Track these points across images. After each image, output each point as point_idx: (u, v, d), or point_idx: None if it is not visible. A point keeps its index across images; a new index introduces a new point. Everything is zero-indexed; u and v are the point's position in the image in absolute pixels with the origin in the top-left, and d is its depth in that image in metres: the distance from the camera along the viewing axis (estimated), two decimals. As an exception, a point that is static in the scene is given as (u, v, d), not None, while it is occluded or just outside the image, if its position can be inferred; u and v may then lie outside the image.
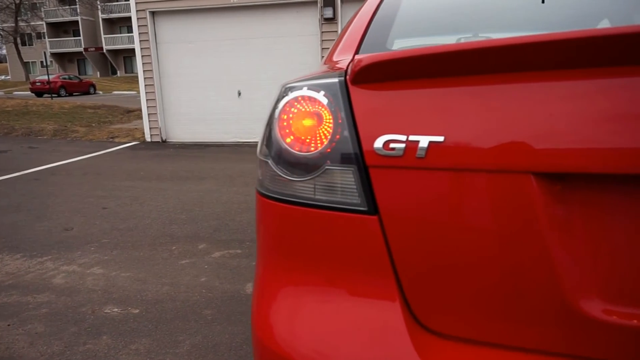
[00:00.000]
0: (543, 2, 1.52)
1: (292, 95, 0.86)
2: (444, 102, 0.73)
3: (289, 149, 0.83)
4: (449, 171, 0.71)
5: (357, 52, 1.21)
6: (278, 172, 0.85)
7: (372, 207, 0.76)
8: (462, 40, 1.40)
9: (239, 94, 8.21)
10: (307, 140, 0.81)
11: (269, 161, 0.87)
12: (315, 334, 0.81)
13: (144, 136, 8.78)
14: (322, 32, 7.44)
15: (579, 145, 0.66)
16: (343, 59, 1.05)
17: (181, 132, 8.56)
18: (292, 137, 0.83)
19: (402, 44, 1.41)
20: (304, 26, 7.70)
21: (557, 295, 0.68)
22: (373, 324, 0.77)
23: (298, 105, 0.84)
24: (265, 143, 0.90)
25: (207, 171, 6.11)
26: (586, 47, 0.64)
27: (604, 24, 1.58)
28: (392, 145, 0.73)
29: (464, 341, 0.75)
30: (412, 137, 0.72)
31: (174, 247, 3.43)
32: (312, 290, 0.84)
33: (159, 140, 8.57)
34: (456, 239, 0.72)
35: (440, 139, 0.71)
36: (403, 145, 0.73)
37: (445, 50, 0.71)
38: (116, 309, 2.52)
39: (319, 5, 7.42)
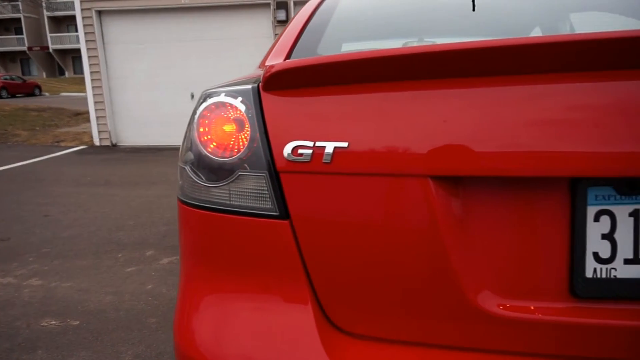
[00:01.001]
0: (474, 10, 1.59)
1: (210, 101, 0.86)
2: (349, 109, 0.75)
3: (206, 154, 0.83)
4: (354, 176, 0.73)
5: (287, 57, 1.22)
6: (195, 178, 0.85)
7: (284, 212, 0.77)
8: (391, 46, 1.44)
9: (192, 96, 8.06)
10: (223, 146, 0.82)
11: (187, 167, 0.87)
12: (232, 340, 0.81)
13: (92, 140, 8.46)
14: (276, 34, 7.44)
15: (472, 150, 0.69)
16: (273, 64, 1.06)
17: (132, 135, 8.31)
18: (208, 143, 0.83)
19: (332, 49, 1.44)
20: (257, 28, 7.66)
21: (456, 293, 0.72)
22: (287, 328, 0.78)
23: (215, 112, 0.84)
24: (184, 149, 0.90)
25: (158, 175, 5.96)
26: (472, 57, 0.68)
27: (523, 32, 1.67)
28: (300, 151, 0.75)
29: (374, 340, 0.78)
30: (318, 143, 0.74)
31: (120, 255, 3.32)
32: (230, 296, 0.84)
33: (109, 144, 8.28)
34: (362, 241, 0.74)
35: (345, 144, 0.73)
36: (310, 151, 0.74)
37: (348, 59, 0.73)
38: (54, 322, 2.41)
39: (271, 7, 7.41)
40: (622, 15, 1.53)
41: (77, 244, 3.55)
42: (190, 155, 0.86)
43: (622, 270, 0.70)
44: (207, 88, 0.95)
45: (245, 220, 0.80)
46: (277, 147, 0.77)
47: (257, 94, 0.82)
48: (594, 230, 0.70)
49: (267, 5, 7.49)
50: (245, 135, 0.80)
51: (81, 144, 8.52)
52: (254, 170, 0.79)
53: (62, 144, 8.57)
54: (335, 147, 0.73)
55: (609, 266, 0.70)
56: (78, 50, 8.01)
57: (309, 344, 0.76)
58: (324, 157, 0.74)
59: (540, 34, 1.50)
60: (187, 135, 0.89)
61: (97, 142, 8.32)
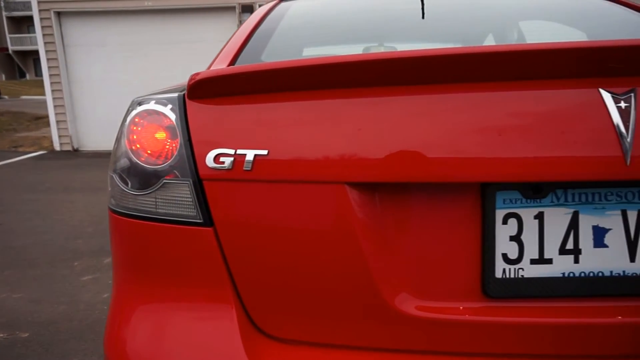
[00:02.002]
0: (423, 17, 1.63)
1: (139, 109, 0.86)
2: (269, 117, 0.76)
3: (133, 162, 0.83)
4: (274, 183, 0.74)
5: (231, 63, 1.23)
6: (122, 186, 0.85)
7: (208, 219, 0.78)
8: (334, 53, 1.46)
9: (157, 99, 7.91)
10: (150, 154, 0.82)
11: (115, 175, 0.87)
12: (160, 350, 0.81)
13: (52, 145, 8.19)
14: (242, 37, 7.38)
15: (386, 157, 0.72)
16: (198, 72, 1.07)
17: (95, 140, 8.09)
18: (136, 151, 0.83)
19: (277, 56, 1.45)
20: (225, 32, 7.59)
21: (374, 296, 0.74)
22: (212, 335, 0.79)
23: (144, 119, 0.84)
24: (113, 157, 0.89)
25: (120, 181, 5.82)
26: (383, 67, 0.71)
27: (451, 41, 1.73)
28: (222, 159, 0.76)
29: (298, 344, 0.79)
30: (239, 151, 0.75)
31: (76, 263, 3.23)
32: (159, 306, 0.84)
33: (70, 149, 8.04)
34: (284, 247, 0.75)
35: (265, 152, 0.74)
36: (232, 159, 0.75)
37: (266, 68, 0.74)
38: (1, 334, 2.33)
39: (237, 11, 7.37)
40: (564, 24, 1.61)
41: (30, 253, 3.43)
42: (119, 163, 0.86)
43: (529, 270, 0.74)
44: (138, 95, 0.95)
45: (171, 228, 0.81)
46: (201, 155, 0.77)
47: (183, 102, 0.82)
48: (503, 233, 0.74)
49: (233, 8, 7.45)
50: (171, 143, 0.81)
51: (41, 149, 8.24)
52: (179, 178, 0.79)
53: (20, 149, 8.27)
54: (255, 155, 0.74)
55: (517, 266, 0.74)
56: (39, 52, 7.75)
57: (231, 350, 0.76)
58: (245, 165, 0.74)
59: (466, 43, 1.56)
60: (117, 143, 0.88)
61: (57, 147, 8.07)
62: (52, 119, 7.96)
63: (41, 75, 8.06)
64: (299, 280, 0.76)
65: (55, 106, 7.86)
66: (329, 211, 0.73)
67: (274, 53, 1.44)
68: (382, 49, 1.63)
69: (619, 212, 0.73)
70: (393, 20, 1.55)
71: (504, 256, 0.74)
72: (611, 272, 0.74)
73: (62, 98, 7.83)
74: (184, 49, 7.69)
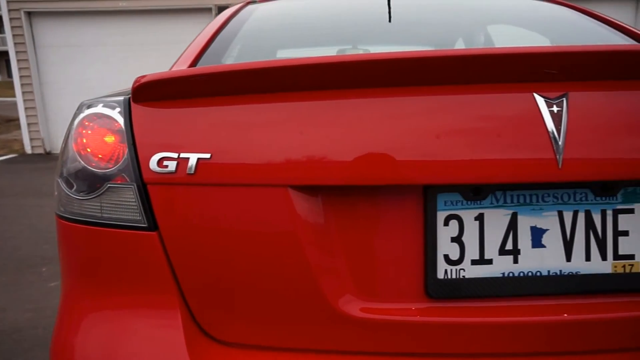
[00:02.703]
0: (390, 20, 1.65)
1: (86, 112, 0.85)
2: (212, 121, 0.76)
3: (79, 165, 0.82)
4: (217, 186, 0.74)
5: (192, 65, 1.22)
6: (67, 190, 0.83)
7: (152, 223, 0.77)
8: (295, 56, 1.47)
9: (132, 101, 7.80)
10: (95, 158, 0.81)
11: (61, 179, 0.85)
12: (106, 357, 0.80)
13: (23, 148, 7.99)
14: (218, 39, 7.34)
15: (329, 160, 0.72)
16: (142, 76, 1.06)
17: (68, 142, 7.91)
18: (82, 155, 0.82)
19: (239, 58, 1.45)
20: (199, 33, 7.54)
21: (319, 298, 0.74)
22: (157, 340, 0.78)
23: (91, 122, 0.83)
24: (60, 161, 0.87)
25: (93, 184, 5.71)
26: (325, 70, 0.71)
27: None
28: (165, 162, 0.75)
29: (245, 347, 0.79)
30: (182, 155, 0.75)
31: (44, 269, 3.15)
32: (105, 313, 0.83)
33: (42, 152, 7.85)
34: (228, 250, 0.75)
35: (208, 155, 0.74)
36: (175, 162, 0.75)
37: (206, 72, 0.74)
38: (-39, 344, 2.26)
39: (213, 12, 7.33)
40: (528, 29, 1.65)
41: (-4, 259, 3.34)
42: (65, 167, 0.84)
43: (469, 271, 0.75)
44: (86, 98, 0.93)
45: (116, 233, 0.80)
46: (145, 158, 0.77)
47: (128, 106, 0.81)
48: (444, 234, 0.75)
49: (209, 9, 7.41)
50: (116, 146, 0.80)
51: (11, 152, 8.03)
52: (123, 182, 0.78)
53: (-10, 153, 8.04)
54: (198, 158, 0.74)
55: (458, 267, 0.75)
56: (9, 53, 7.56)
57: (176, 354, 0.76)
58: (188, 169, 0.74)
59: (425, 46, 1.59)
60: (64, 146, 0.87)
61: (28, 150, 7.88)
62: (23, 121, 7.76)
63: (12, 77, 7.86)
64: (244, 283, 0.76)
65: (26, 108, 7.67)
66: (272, 214, 0.74)
67: (235, 55, 1.44)
68: (342, 52, 1.64)
69: (556, 213, 0.75)
70: (354, 25, 1.56)
71: (446, 257, 0.75)
72: (549, 271, 0.76)
73: (33, 100, 7.65)
74: (161, 50, 7.59)
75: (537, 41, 1.55)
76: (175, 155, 0.75)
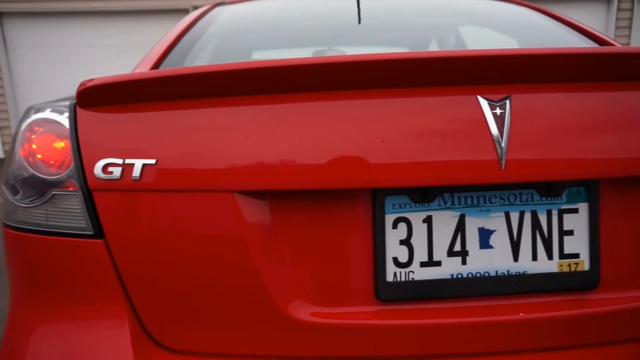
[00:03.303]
0: (359, 22, 1.65)
1: (33, 117, 0.83)
2: (158, 126, 0.75)
3: (24, 172, 0.80)
4: (163, 192, 0.73)
5: (154, 68, 1.21)
6: (13, 198, 0.81)
7: (98, 231, 0.75)
8: (259, 58, 1.46)
9: (109, 104, 7.66)
10: (40, 164, 0.79)
11: (6, 187, 0.83)
12: None
13: (-5, 152, 7.79)
14: (196, 40, 7.27)
15: (276, 165, 0.72)
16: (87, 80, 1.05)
17: (42, 146, 7.73)
18: (27, 161, 0.80)
19: (200, 61, 1.43)
20: (177, 34, 7.44)
21: (268, 304, 0.74)
22: (106, 350, 0.77)
23: (38, 127, 0.81)
24: (5, 166, 0.85)
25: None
26: (270, 75, 0.71)
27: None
28: (110, 168, 0.74)
29: (196, 354, 0.78)
30: (128, 161, 0.73)
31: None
32: (53, 324, 0.81)
33: (15, 156, 7.65)
34: (176, 256, 0.74)
35: (153, 161, 0.73)
36: (120, 168, 0.73)
37: (152, 76, 0.73)
38: None
39: (189, 13, 7.25)
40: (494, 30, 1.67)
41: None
42: (11, 173, 0.82)
43: (419, 273, 0.76)
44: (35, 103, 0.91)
45: (62, 241, 0.78)
46: (89, 164, 0.75)
47: (74, 110, 0.79)
48: (393, 237, 0.75)
49: (186, 11, 7.31)
50: (62, 152, 0.78)
51: (-17, 156, 7.81)
52: (68, 189, 0.76)
53: (-39, 157, 7.81)
54: (143, 164, 0.73)
55: (407, 270, 0.75)
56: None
57: (123, 364, 0.74)
58: (133, 175, 0.73)
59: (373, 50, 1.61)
60: (10, 151, 0.84)
61: (1, 155, 7.68)
62: (-5, 124, 7.57)
63: (-17, 79, 7.64)
64: (192, 290, 0.75)
65: (-3, 111, 7.48)
66: (219, 220, 0.73)
67: (198, 57, 1.42)
68: (319, 54, 1.64)
69: (503, 214, 0.76)
70: (317, 27, 1.56)
71: (395, 260, 0.75)
72: (497, 272, 0.76)
73: (5, 103, 7.45)
74: (136, 51, 7.48)
75: (504, 43, 1.57)
76: (120, 161, 0.73)
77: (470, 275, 0.76)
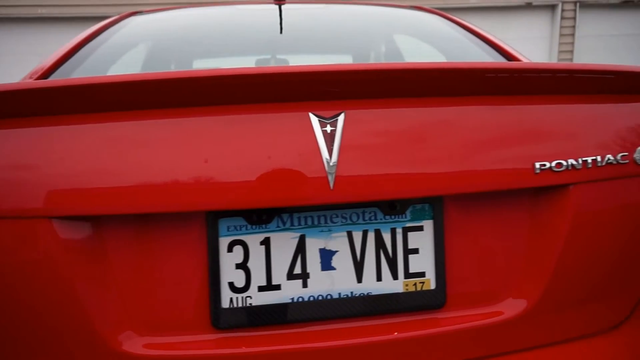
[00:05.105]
0: (281, 32, 1.62)
1: None
2: None
3: None
4: None
5: (41, 78, 1.17)
6: None
7: None
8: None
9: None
10: None
11: None
12: None
13: None
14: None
15: (98, 187, 0.67)
16: None
17: None
18: None
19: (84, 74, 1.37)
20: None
21: (96, 337, 0.68)
22: None
23: None
24: None
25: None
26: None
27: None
28: None
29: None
30: None
31: None
32: None
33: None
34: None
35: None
36: None
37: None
38: None
39: (142, 19, 7.09)
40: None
41: None
42: None
43: (257, 298, 0.72)
44: None
45: None
46: None
47: None
48: (228, 261, 0.71)
49: (138, 17, 7.16)
50: None
51: None
52: None
53: None
54: None
55: (245, 295, 0.72)
56: None
57: None
58: None
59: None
60: None
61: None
62: None
63: None
64: (14, 324, 0.69)
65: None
66: (37, 248, 0.67)
67: (89, 69, 1.36)
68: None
69: (345, 233, 0.73)
70: (223, 38, 1.53)
71: (231, 285, 0.71)
72: (339, 294, 0.74)
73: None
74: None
75: (426, 54, 1.57)
76: None
77: (312, 299, 0.73)
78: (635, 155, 0.78)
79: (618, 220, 0.79)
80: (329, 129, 0.69)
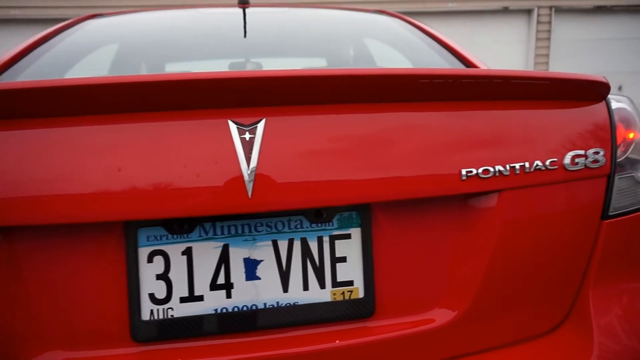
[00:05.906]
0: (245, 36, 1.60)
1: None
2: None
3: None
4: None
5: None
6: None
7: None
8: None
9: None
10: None
11: None
12: None
13: None
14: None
15: (13, 197, 0.65)
16: None
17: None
18: None
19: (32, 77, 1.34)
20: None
21: (8, 355, 0.66)
22: None
23: None
24: None
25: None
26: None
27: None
28: None
29: None
30: None
31: None
32: None
33: None
34: None
35: None
36: None
37: None
38: None
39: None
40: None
41: None
42: None
43: (178, 309, 0.70)
44: None
45: None
46: None
47: None
48: (149, 272, 0.69)
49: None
50: None
51: None
52: None
53: None
54: None
55: (166, 306, 0.70)
56: None
57: None
58: None
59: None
60: None
61: None
62: None
63: None
64: None
65: None
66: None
67: (36, 72, 1.33)
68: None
69: (270, 242, 0.72)
70: (180, 42, 1.51)
71: (151, 296, 0.70)
72: (265, 304, 0.72)
73: None
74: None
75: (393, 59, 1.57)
76: None
77: (236, 309, 0.72)
78: (565, 161, 0.78)
79: (548, 225, 0.79)
80: (247, 136, 0.67)
